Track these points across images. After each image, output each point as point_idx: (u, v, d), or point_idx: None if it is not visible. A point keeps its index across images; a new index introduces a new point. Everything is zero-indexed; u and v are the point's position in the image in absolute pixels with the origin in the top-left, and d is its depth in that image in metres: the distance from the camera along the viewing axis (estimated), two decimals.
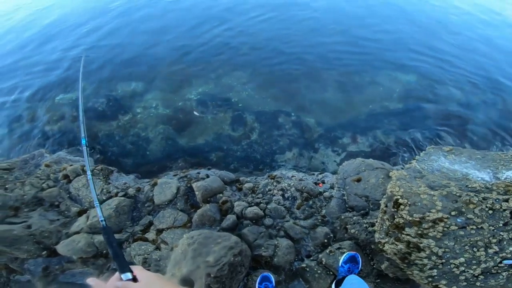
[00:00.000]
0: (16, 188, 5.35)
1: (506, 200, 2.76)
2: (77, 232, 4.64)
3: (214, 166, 6.27)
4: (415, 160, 3.83)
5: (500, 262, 2.79)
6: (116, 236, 4.58)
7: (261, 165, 6.75)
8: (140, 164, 6.64)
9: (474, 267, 2.82)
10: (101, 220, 2.01)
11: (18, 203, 5.13)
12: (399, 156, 6.69)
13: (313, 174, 5.94)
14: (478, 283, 2.89)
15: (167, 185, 5.03)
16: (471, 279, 2.89)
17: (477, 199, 2.84)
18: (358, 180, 4.98)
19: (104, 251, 4.50)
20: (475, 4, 14.33)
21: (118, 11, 13.66)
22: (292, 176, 5.65)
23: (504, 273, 2.83)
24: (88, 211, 4.91)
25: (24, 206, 5.14)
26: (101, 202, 4.96)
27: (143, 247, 4.44)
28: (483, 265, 2.80)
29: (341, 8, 13.25)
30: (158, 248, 4.44)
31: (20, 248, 4.55)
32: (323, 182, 5.53)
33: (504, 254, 2.76)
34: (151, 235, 4.60)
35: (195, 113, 7.74)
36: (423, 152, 3.99)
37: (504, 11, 13.95)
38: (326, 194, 5.14)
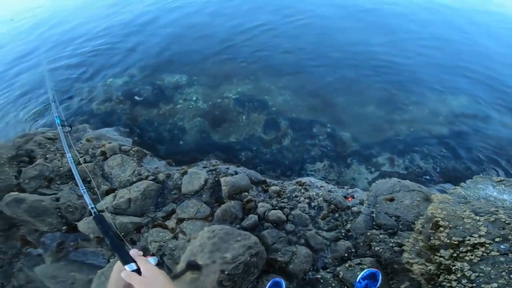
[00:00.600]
0: (55, 159, 5.63)
1: None
2: (101, 211, 4.59)
3: (243, 165, 6.26)
4: (460, 187, 3.63)
5: None
6: (137, 219, 4.59)
7: (288, 171, 6.65)
8: (173, 152, 6.82)
9: None
10: (91, 207, 1.80)
11: (53, 175, 5.36)
12: (436, 184, 6.25)
13: (343, 188, 5.73)
14: None
15: (196, 176, 5.05)
16: None
17: None
18: (391, 200, 4.74)
19: (122, 233, 4.46)
20: None
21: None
22: (321, 186, 5.49)
23: None
24: (116, 191, 4.97)
25: (57, 178, 5.34)
26: (131, 184, 5.03)
27: (161, 234, 4.39)
28: None
29: (394, 12, 12.95)
30: (175, 237, 4.38)
31: (44, 220, 4.61)
32: (353, 197, 5.32)
33: None
34: (171, 223, 4.57)
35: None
36: (470, 180, 3.76)
37: None
38: (355, 209, 4.92)
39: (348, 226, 4.73)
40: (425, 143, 7.14)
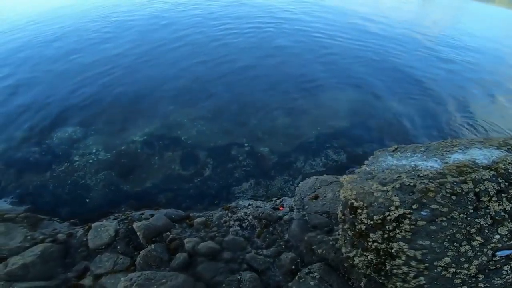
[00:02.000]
0: None
1: (464, 182, 2.64)
2: None
3: (164, 207, 5.70)
4: (364, 165, 3.77)
5: (494, 255, 2.50)
6: (42, 284, 4.17)
7: (216, 200, 6.35)
8: (78, 212, 5.92)
9: (466, 265, 2.51)
10: None
11: None
12: (353, 170, 6.75)
13: (271, 200, 5.67)
14: (481, 284, 2.54)
15: (103, 228, 4.66)
16: (469, 281, 2.55)
17: (433, 185, 2.69)
18: (316, 198, 4.81)
19: None
20: None
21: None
22: (249, 205, 5.33)
23: (505, 267, 2.52)
24: (7, 259, 4.45)
25: None
26: (25, 249, 4.54)
27: None
28: (475, 262, 2.50)
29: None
30: None
31: None
32: (283, 206, 5.28)
33: (493, 245, 2.48)
34: (87, 281, 4.18)
35: None
36: (371, 156, 3.95)
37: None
38: (286, 217, 4.85)
39: (286, 236, 4.61)
40: (333, 138, 7.74)
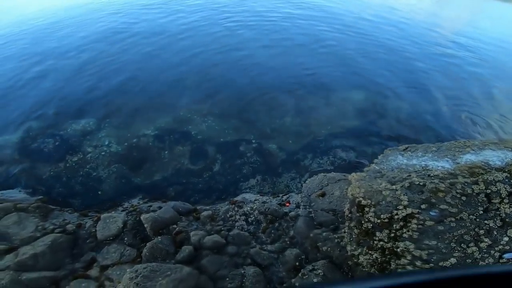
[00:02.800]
0: None
1: (476, 183, 2.61)
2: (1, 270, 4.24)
3: (172, 200, 5.77)
4: (374, 163, 3.74)
5: (501, 257, 2.47)
6: (50, 274, 4.26)
7: (224, 194, 6.38)
8: (90, 203, 6.04)
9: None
10: None
11: None
12: (362, 169, 6.69)
13: (278, 196, 5.66)
14: None
15: (111, 220, 4.71)
16: None
17: (444, 185, 2.66)
18: (323, 195, 4.79)
19: None
20: None
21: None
22: (255, 200, 5.33)
23: None
24: (18, 249, 4.55)
25: None
26: (36, 239, 4.65)
27: (83, 284, 4.11)
28: (481, 263, 2.45)
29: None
30: (102, 286, 4.08)
31: None
32: (289, 202, 5.27)
33: (500, 247, 2.46)
34: (94, 272, 4.26)
35: None
36: (381, 155, 3.92)
37: None
38: (292, 213, 4.84)
39: (291, 232, 4.60)
40: (342, 137, 7.66)
